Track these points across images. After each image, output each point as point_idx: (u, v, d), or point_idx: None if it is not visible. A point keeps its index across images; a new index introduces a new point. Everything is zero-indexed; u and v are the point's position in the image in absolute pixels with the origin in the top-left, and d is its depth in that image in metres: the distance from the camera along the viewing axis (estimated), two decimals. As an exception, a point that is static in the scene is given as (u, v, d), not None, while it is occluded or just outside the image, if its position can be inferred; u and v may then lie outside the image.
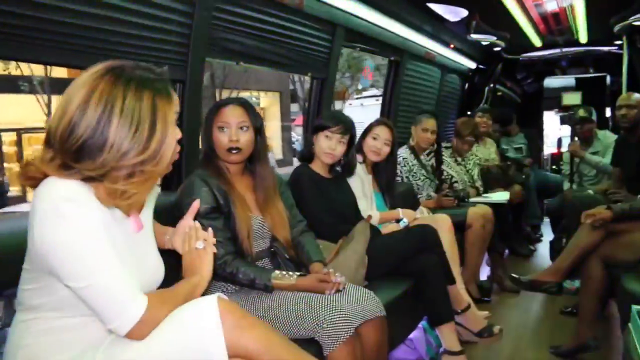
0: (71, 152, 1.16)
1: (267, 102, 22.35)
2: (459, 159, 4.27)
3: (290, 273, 1.96)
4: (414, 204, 3.45)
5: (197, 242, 1.48)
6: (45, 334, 1.24)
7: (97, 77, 1.18)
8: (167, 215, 1.87)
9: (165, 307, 1.25)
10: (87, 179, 1.19)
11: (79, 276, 1.15)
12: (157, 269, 1.42)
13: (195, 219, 1.84)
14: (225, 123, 2.01)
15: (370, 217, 2.55)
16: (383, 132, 3.06)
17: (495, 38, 5.09)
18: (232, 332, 1.23)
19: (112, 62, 1.23)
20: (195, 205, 1.59)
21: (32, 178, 1.20)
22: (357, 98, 19.96)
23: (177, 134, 1.28)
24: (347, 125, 2.63)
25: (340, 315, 1.77)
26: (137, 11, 2.13)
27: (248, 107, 2.06)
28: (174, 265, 1.53)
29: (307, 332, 1.79)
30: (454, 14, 4.13)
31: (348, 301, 1.85)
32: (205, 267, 1.45)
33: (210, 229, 1.54)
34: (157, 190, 1.54)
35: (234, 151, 2.01)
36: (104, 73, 1.19)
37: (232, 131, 2.00)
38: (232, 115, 2.01)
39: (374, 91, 20.07)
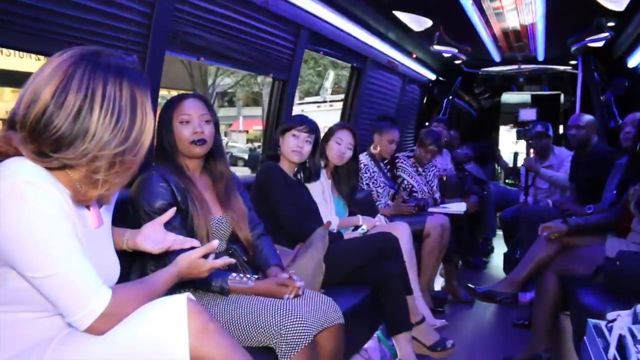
0: (49, 143, 1.10)
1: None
2: (420, 169, 4.27)
3: (248, 276, 1.88)
4: (372, 211, 3.42)
5: None
6: None
7: (72, 63, 1.12)
8: (120, 212, 1.77)
9: (133, 303, 1.20)
10: (60, 167, 1.14)
11: (39, 266, 1.08)
12: (113, 267, 1.36)
13: (150, 215, 1.78)
14: (188, 116, 1.95)
15: (329, 223, 2.50)
16: (346, 137, 3.05)
17: (456, 51, 5.14)
18: (196, 336, 1.20)
19: (83, 48, 1.17)
20: (170, 212, 1.56)
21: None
22: (299, 104, 20.06)
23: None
24: (312, 126, 2.68)
25: (299, 322, 1.70)
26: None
27: (207, 101, 2.04)
28: (124, 266, 1.47)
29: (263, 338, 1.71)
30: (419, 23, 4.14)
31: (307, 308, 1.78)
32: (184, 258, 1.43)
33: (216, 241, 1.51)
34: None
35: (199, 143, 1.95)
36: (79, 59, 1.13)
37: (195, 123, 1.95)
38: (195, 108, 1.97)
39: (316, 97, 20.26)
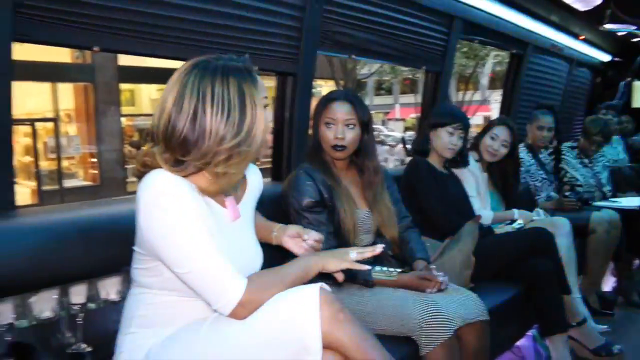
0: (177, 147, 1.25)
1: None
2: (586, 161, 3.96)
3: (392, 269, 1.92)
4: (530, 205, 3.26)
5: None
6: (156, 307, 1.34)
7: (186, 73, 1.27)
8: (274, 205, 1.95)
9: (268, 291, 1.29)
10: (195, 172, 1.28)
11: (180, 263, 1.24)
12: (254, 257, 1.47)
13: (298, 212, 1.90)
14: (332, 119, 2.00)
15: (479, 217, 2.44)
16: (502, 133, 2.90)
17: (634, 28, 4.65)
18: (328, 323, 1.26)
19: (197, 58, 1.30)
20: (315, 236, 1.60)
21: (147, 166, 1.30)
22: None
23: (267, 116, 1.34)
24: (465, 121, 2.62)
25: (439, 316, 1.71)
26: (249, 6, 2.20)
27: (356, 102, 2.04)
28: (274, 255, 1.60)
29: (404, 329, 1.75)
30: (584, 2, 3.83)
31: (448, 302, 1.78)
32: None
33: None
34: (260, 185, 1.60)
35: (338, 148, 2.01)
36: (191, 69, 1.27)
37: (338, 128, 1.99)
38: (340, 112, 2.00)
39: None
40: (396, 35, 3.01)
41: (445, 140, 2.57)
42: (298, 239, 1.60)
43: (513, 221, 2.89)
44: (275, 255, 1.61)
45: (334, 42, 2.65)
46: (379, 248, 1.49)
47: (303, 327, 1.25)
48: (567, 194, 3.57)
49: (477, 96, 22.12)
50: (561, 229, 2.73)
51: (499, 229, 2.80)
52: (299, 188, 1.96)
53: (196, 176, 1.29)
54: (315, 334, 1.24)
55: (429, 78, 3.58)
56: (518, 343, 2.49)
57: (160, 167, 1.27)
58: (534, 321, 2.47)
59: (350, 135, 2.00)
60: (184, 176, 1.27)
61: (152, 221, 1.24)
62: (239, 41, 2.22)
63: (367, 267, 1.45)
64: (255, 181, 1.56)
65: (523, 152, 3.55)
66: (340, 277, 1.45)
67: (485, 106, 20.13)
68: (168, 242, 1.23)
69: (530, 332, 2.58)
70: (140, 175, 1.31)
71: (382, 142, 19.10)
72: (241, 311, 1.25)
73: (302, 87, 2.54)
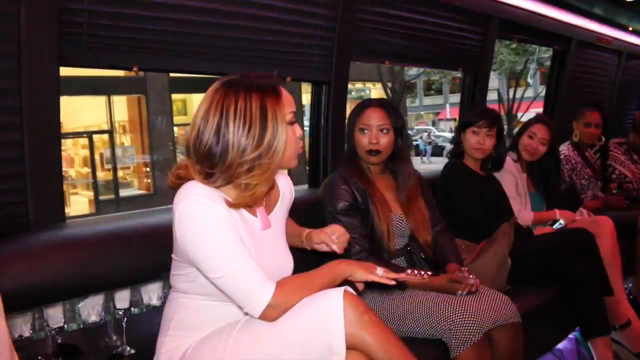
0: (204, 159, 1.34)
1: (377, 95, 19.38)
2: (635, 157, 3.83)
3: (422, 272, 1.95)
4: (574, 205, 3.20)
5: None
6: (193, 311, 1.43)
7: (214, 92, 1.36)
8: (310, 210, 2.02)
9: (296, 294, 1.35)
10: (222, 185, 1.35)
11: (213, 269, 1.31)
12: (284, 264, 1.53)
13: (333, 215, 1.96)
14: (366, 125, 2.06)
15: (515, 218, 2.43)
16: (540, 131, 2.87)
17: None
18: (352, 325, 1.30)
19: (226, 77, 1.39)
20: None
21: (181, 178, 1.39)
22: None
23: (294, 130, 1.40)
24: (492, 119, 2.57)
25: (469, 319, 1.73)
26: (282, 19, 2.28)
27: (389, 108, 2.10)
28: (306, 260, 1.66)
29: (434, 332, 1.78)
30: (632, -7, 3.71)
31: (479, 305, 1.79)
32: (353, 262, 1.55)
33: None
34: (292, 195, 1.66)
35: (373, 153, 2.06)
36: (219, 88, 1.36)
37: (372, 133, 2.05)
38: (373, 118, 2.06)
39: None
40: (430, 38, 3.01)
41: (472, 140, 2.56)
42: (322, 244, 1.66)
43: (555, 221, 2.85)
44: (310, 263, 1.66)
45: (368, 49, 2.69)
46: (403, 275, 1.55)
47: (327, 328, 1.29)
48: (614, 191, 3.48)
49: (530, 92, 21.59)
50: (603, 228, 2.68)
51: (537, 230, 2.76)
52: (334, 192, 2.02)
53: (226, 188, 1.37)
54: (339, 334, 1.29)
55: (467, 79, 3.56)
56: (560, 345, 2.46)
57: (194, 179, 1.36)
58: (575, 323, 2.43)
59: (384, 140, 2.05)
60: (216, 187, 1.35)
61: (186, 229, 1.32)
62: (274, 54, 2.32)
63: (392, 282, 1.49)
64: (287, 192, 1.62)
65: (568, 150, 3.49)
66: (360, 286, 1.50)
67: (540, 102, 19.55)
68: (201, 249, 1.31)
69: (572, 335, 2.53)
70: (174, 187, 1.40)
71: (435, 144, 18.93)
72: (271, 313, 1.31)
73: (336, 95, 2.59)
